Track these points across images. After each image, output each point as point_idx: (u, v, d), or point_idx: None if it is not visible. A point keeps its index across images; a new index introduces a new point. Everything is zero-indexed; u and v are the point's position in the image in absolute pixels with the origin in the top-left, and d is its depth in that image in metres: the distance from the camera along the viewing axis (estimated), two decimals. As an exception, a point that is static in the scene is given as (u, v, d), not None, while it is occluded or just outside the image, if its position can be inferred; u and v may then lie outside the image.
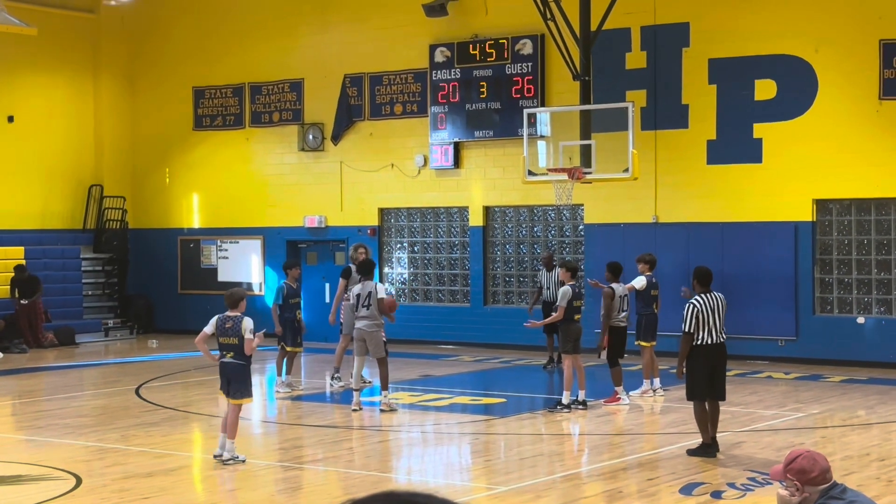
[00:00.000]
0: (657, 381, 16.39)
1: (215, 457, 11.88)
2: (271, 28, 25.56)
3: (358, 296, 15.19)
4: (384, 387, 15.28)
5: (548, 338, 19.27)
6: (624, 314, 15.80)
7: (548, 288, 19.16)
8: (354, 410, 15.13)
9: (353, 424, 14.63)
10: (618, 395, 15.68)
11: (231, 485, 11.24)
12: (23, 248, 25.40)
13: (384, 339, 15.39)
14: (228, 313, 11.88)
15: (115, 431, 13.94)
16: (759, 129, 20.42)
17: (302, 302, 17.32)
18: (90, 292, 26.85)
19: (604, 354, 15.74)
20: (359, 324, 15.18)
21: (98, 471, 11.78)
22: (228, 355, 11.85)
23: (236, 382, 11.84)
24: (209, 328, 11.90)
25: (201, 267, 26.75)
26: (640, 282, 16.31)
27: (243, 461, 11.77)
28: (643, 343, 16.31)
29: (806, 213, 20.20)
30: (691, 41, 20.98)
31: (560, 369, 18.40)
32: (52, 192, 26.50)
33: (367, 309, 15.12)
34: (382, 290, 15.37)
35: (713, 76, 20.82)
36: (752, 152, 20.48)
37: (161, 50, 27.22)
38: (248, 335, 11.70)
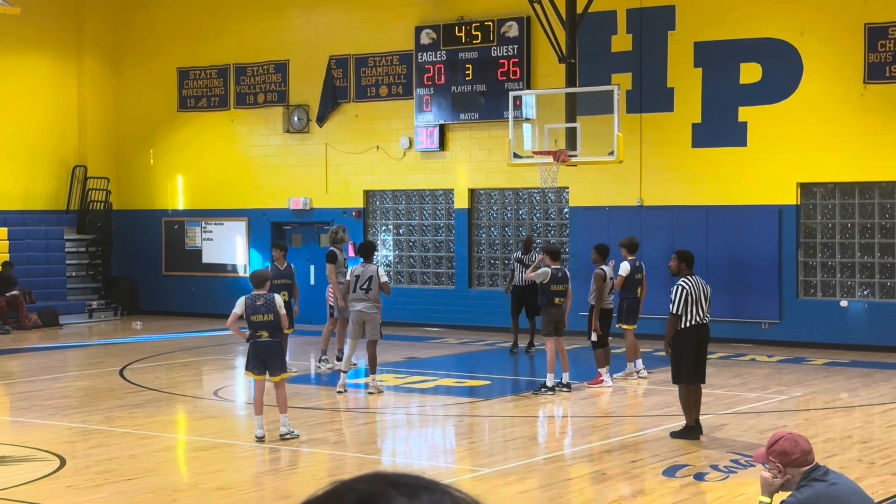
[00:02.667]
0: (640, 363, 16.47)
1: (258, 438, 11.96)
2: (257, 9, 25.45)
3: (357, 277, 15.16)
4: (372, 370, 15.29)
5: (513, 320, 19.12)
6: (610, 297, 15.90)
7: (521, 271, 18.99)
8: (339, 392, 15.12)
9: (338, 406, 14.64)
10: (601, 378, 15.73)
11: (216, 466, 11.24)
12: (6, 228, 25.30)
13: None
14: (256, 292, 12.01)
15: (99, 413, 13.93)
16: (744, 113, 20.46)
17: (292, 283, 17.07)
18: (74, 273, 26.77)
19: (594, 336, 15.76)
20: (358, 306, 15.15)
21: (82, 452, 11.78)
22: (264, 334, 11.94)
23: (275, 360, 12.05)
24: (238, 309, 12.00)
25: (185, 248, 26.69)
26: (624, 268, 16.33)
27: (297, 436, 12.07)
28: (625, 326, 16.35)
29: (790, 197, 20.26)
30: (677, 24, 20.98)
31: (529, 353, 18.46)
32: (35, 173, 26.38)
33: (367, 292, 15.10)
34: (384, 275, 15.40)
35: (699, 59, 20.83)
36: (736, 136, 20.51)
37: (145, 30, 27.08)
38: (282, 311, 11.92)
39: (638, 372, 16.39)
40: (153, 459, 11.42)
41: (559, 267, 15.55)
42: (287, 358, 17.17)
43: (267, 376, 12.10)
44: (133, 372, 17.54)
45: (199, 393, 15.76)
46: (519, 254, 19.56)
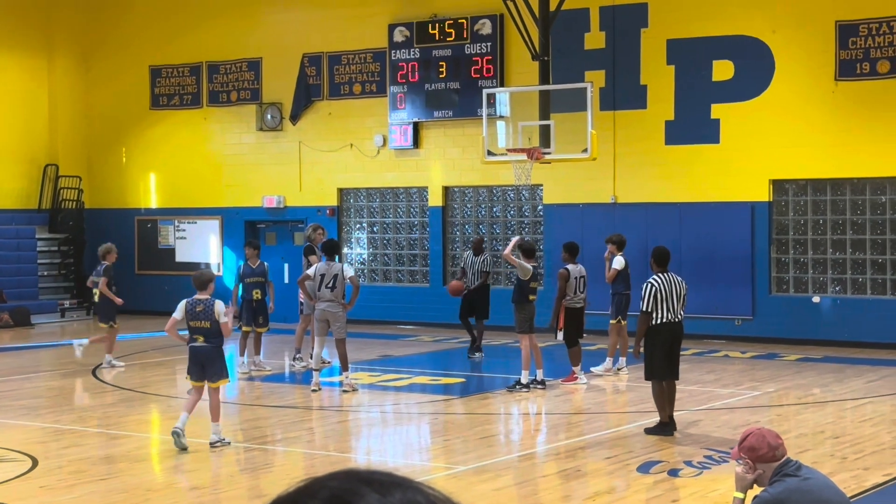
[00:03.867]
0: (623, 360, 16.44)
1: (175, 432, 11.58)
2: (229, 6, 25.36)
3: (322, 276, 15.16)
4: (344, 367, 15.28)
5: (464, 323, 18.77)
6: (581, 295, 15.81)
7: (472, 272, 18.76)
8: (314, 391, 15.11)
9: (312, 405, 14.61)
10: (575, 375, 15.76)
11: (190, 465, 11.20)
12: (-23, 228, 25.13)
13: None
14: (198, 296, 11.58)
15: (71, 413, 13.85)
16: (717, 110, 20.54)
17: (265, 281, 17.05)
18: (46, 273, 26.61)
19: (560, 335, 15.77)
20: (322, 305, 15.14)
21: (54, 452, 11.71)
22: (200, 339, 11.56)
23: (212, 366, 11.61)
24: (178, 313, 11.55)
25: (158, 247, 26.57)
26: (619, 262, 16.35)
27: (229, 443, 11.69)
28: (622, 321, 16.37)
29: (762, 194, 20.36)
30: (650, 22, 21.04)
31: (472, 359, 18.35)
32: (5, 172, 26.19)
33: (331, 290, 15.10)
34: (350, 271, 15.40)
35: (671, 57, 20.90)
36: (709, 133, 20.59)
37: (117, 28, 26.94)
38: (223, 319, 11.45)
39: (619, 369, 16.38)
40: (126, 459, 11.36)
41: (535, 264, 15.56)
42: (261, 357, 17.25)
43: (206, 382, 11.68)
44: (106, 371, 17.45)
45: (173, 392, 15.69)
46: (469, 255, 19.20)
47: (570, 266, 15.74)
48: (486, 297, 18.65)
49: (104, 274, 17.56)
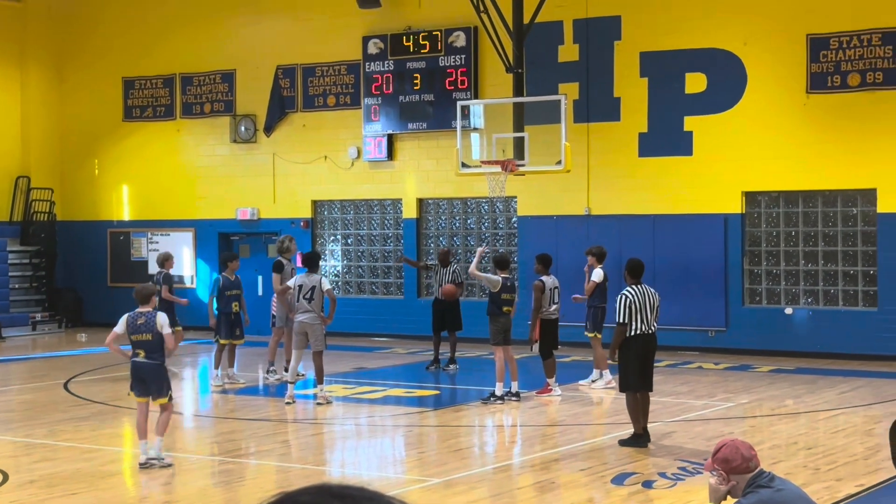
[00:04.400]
0: (607, 373, 16.37)
1: (141, 465, 11.25)
2: (203, 18, 25.31)
3: (300, 287, 15.13)
4: (320, 380, 15.24)
5: (435, 336, 18.74)
6: (555, 306, 15.80)
7: (439, 283, 18.79)
8: (288, 403, 15.06)
9: (286, 417, 14.56)
10: (550, 387, 15.76)
11: (163, 479, 11.13)
12: (-52, 240, 24.94)
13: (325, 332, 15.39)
14: (140, 309, 11.25)
15: (43, 427, 13.75)
16: (690, 122, 20.64)
17: (241, 293, 17.08)
18: (17, 286, 26.42)
19: (535, 347, 15.78)
20: (301, 317, 15.11)
21: (25, 466, 11.61)
22: (141, 354, 11.20)
23: (154, 382, 11.27)
24: (119, 327, 11.22)
25: (131, 259, 26.44)
26: (598, 274, 16.32)
27: (170, 465, 11.29)
28: (598, 335, 16.33)
29: (735, 206, 20.46)
30: (623, 34, 21.13)
31: (446, 371, 18.34)
32: (-23, 184, 26.02)
33: (310, 302, 15.07)
34: (327, 284, 15.38)
35: (644, 69, 21.00)
36: (682, 145, 20.69)
37: (89, 39, 26.83)
38: (166, 330, 11.15)
39: (608, 382, 16.25)
40: (98, 474, 11.28)
41: (507, 276, 15.57)
42: (235, 369, 17.17)
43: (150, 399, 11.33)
44: (78, 385, 17.33)
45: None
46: (436, 266, 19.10)
47: (544, 277, 15.75)
48: (457, 310, 18.66)
49: (164, 281, 17.43)
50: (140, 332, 11.18)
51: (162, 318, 11.21)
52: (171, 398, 11.52)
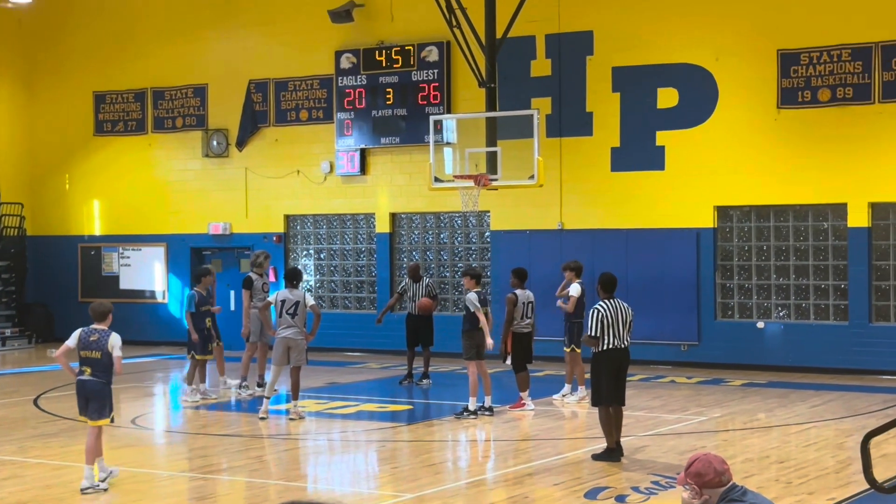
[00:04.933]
0: (582, 389, 16.35)
1: (83, 490, 10.86)
2: (174, 32, 25.23)
3: (283, 302, 15.07)
4: (295, 396, 15.20)
5: (409, 351, 18.68)
6: (528, 321, 15.79)
7: (412, 299, 18.71)
8: (262, 419, 14.99)
9: (259, 433, 14.48)
10: (523, 401, 15.75)
11: (134, 496, 11.03)
12: (-84, 255, 24.70)
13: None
14: (94, 326, 10.94)
15: (12, 443, 13.61)
16: (662, 137, 20.72)
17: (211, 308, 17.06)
18: (-13, 301, 26.20)
19: (508, 359, 15.77)
20: (285, 332, 15.06)
21: (-5, 484, 11.48)
22: (87, 371, 10.87)
23: (96, 401, 10.90)
24: (72, 341, 10.90)
25: (102, 275, 26.28)
26: (576, 289, 16.31)
27: (105, 490, 10.91)
28: (577, 349, 16.30)
29: (707, 220, 20.54)
30: (595, 49, 21.22)
31: (419, 386, 18.32)
32: (-54, 199, 25.81)
33: (293, 317, 15.03)
34: (312, 299, 15.37)
35: (617, 84, 21.08)
36: (654, 160, 20.77)
37: (60, 53, 26.69)
38: (117, 352, 10.83)
39: (582, 397, 16.22)
40: (68, 490, 11.17)
41: (480, 290, 15.57)
42: (206, 385, 17.08)
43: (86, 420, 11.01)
44: (48, 401, 17.18)
45: (116, 421, 15.46)
46: (408, 282, 19.03)
47: (518, 291, 15.75)
48: (430, 325, 18.64)
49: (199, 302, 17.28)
50: (91, 348, 10.85)
51: (115, 339, 10.86)
52: (112, 420, 11.19)
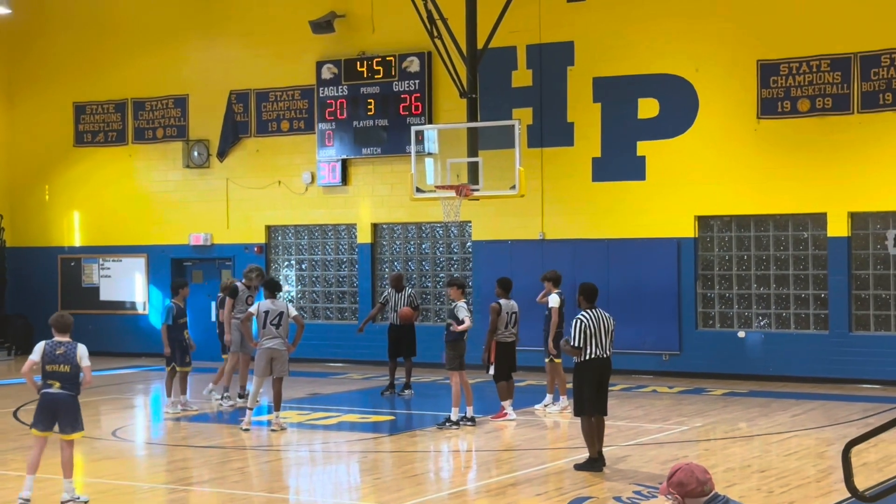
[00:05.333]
0: (564, 399, 16.36)
1: (23, 500, 10.61)
2: (155, 43, 25.19)
3: (266, 313, 15.04)
4: (277, 407, 15.17)
5: (391, 362, 18.64)
6: (512, 330, 15.83)
7: (394, 309, 18.73)
8: (245, 430, 14.95)
9: (241, 444, 14.43)
10: (504, 411, 15.75)
11: (114, 509, 10.97)
12: None
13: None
14: (58, 339, 10.69)
15: (-8, 456, 13.52)
16: (643, 147, 20.79)
17: (188, 321, 17.08)
18: (-34, 313, 26.06)
19: (492, 369, 15.77)
20: (269, 343, 15.02)
21: (-26, 497, 11.40)
22: (56, 385, 10.58)
23: (68, 415, 10.65)
24: (35, 355, 10.62)
25: (83, 286, 26.18)
26: (555, 300, 16.32)
27: (86, 501, 10.80)
28: (558, 360, 16.32)
29: (688, 230, 20.61)
30: (576, 60, 21.28)
31: (401, 397, 18.32)
32: (-75, 210, 25.67)
33: (277, 328, 15.00)
34: (294, 310, 15.36)
35: (598, 94, 21.14)
36: (635, 170, 20.83)
37: (40, 64, 26.61)
38: (86, 362, 10.59)
39: (564, 407, 16.23)
40: (48, 503, 11.10)
41: (465, 301, 15.56)
42: (188, 396, 17.02)
43: (56, 431, 10.71)
44: (28, 413, 17.06)
45: (97, 433, 15.41)
46: (390, 292, 19.04)
47: (502, 301, 15.80)
48: (412, 335, 18.63)
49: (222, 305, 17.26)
50: (58, 362, 10.60)
51: (83, 350, 10.67)
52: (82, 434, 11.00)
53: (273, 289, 15.43)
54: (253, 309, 15.42)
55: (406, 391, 18.47)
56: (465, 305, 15.33)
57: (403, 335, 18.51)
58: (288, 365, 15.33)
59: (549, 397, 16.60)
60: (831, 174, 19.50)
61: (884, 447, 13.04)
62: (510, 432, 15.09)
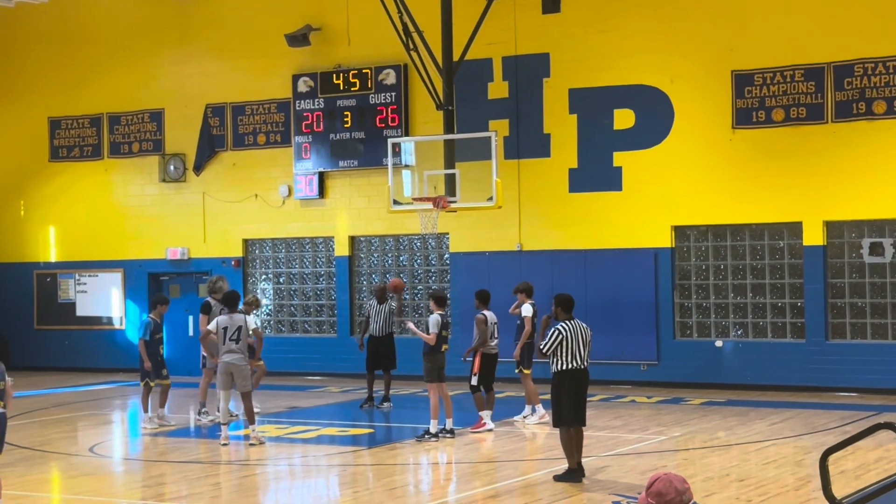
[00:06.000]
0: (540, 407, 16.37)
1: None
2: (130, 57, 25.11)
3: (225, 329, 14.97)
4: (251, 420, 15.09)
5: (369, 374, 18.59)
6: (495, 341, 15.91)
7: (377, 322, 18.63)
8: (224, 445, 14.89)
9: (219, 459, 14.37)
10: (483, 421, 15.76)
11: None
12: None
13: (254, 371, 15.23)
14: None
15: (-33, 474, 13.40)
16: (619, 158, 20.85)
17: (164, 336, 17.04)
18: (-59, 329, 25.86)
19: (474, 379, 15.78)
20: (227, 357, 14.95)
21: (-51, 515, 11.30)
22: (1, 404, 10.41)
23: (2, 434, 10.41)
24: None
25: (59, 302, 26.03)
26: (528, 310, 16.37)
27: None
28: (526, 371, 16.36)
29: (665, 240, 20.67)
30: (552, 72, 21.34)
31: (380, 409, 18.33)
32: None
33: (236, 343, 14.93)
34: (253, 322, 15.26)
35: (573, 106, 21.20)
36: (612, 181, 20.89)
37: (15, 79, 26.49)
38: (10, 380, 10.41)
39: (541, 417, 16.25)
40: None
41: (443, 313, 15.58)
42: (166, 411, 16.93)
43: None
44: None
45: (74, 450, 15.32)
46: (374, 303, 19.04)
47: (485, 312, 15.88)
48: (391, 347, 18.61)
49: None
50: None
51: (1, 367, 10.36)
52: None
53: (230, 303, 15.31)
54: (212, 326, 15.28)
55: (385, 403, 18.44)
56: (438, 320, 15.30)
57: (383, 347, 18.48)
58: (250, 379, 15.21)
59: (528, 408, 16.61)
60: (806, 183, 19.61)
61: (861, 455, 13.09)
62: (489, 444, 15.08)
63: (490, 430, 15.65)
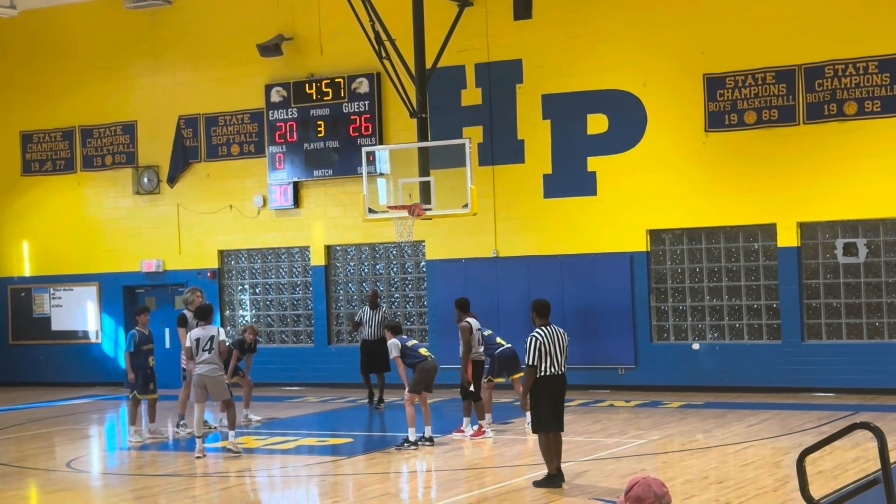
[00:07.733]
0: (489, 417, 16.32)
1: None
2: (102, 70, 25.01)
3: (198, 340, 14.93)
4: (231, 427, 15.08)
5: (365, 379, 18.77)
6: (482, 348, 15.96)
7: (370, 326, 18.90)
8: (198, 458, 14.82)
9: (196, 472, 14.30)
10: (483, 429, 15.78)
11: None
12: None
13: (230, 382, 15.22)
14: None
15: (-57, 492, 13.30)
16: (593, 163, 20.91)
17: (154, 348, 16.94)
18: (-85, 346, 25.66)
19: (471, 387, 15.78)
20: (200, 369, 14.90)
21: (-74, 534, 11.22)
22: None
23: None
24: None
25: (34, 316, 25.88)
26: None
27: None
28: (493, 380, 16.37)
29: (640, 244, 20.73)
30: (524, 78, 21.39)
31: (378, 409, 18.42)
32: None
33: (209, 353, 14.89)
34: (223, 334, 15.23)
35: (547, 111, 21.25)
36: (586, 185, 20.94)
37: (-14, 93, 26.33)
38: None
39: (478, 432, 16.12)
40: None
41: (403, 336, 15.57)
42: (155, 424, 16.84)
43: None
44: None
45: (52, 465, 15.22)
46: (367, 310, 19.21)
47: (469, 319, 15.87)
48: (384, 351, 18.58)
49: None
50: None
51: None
52: None
53: (202, 316, 15.31)
54: (188, 343, 15.27)
55: (380, 405, 18.59)
56: (397, 342, 15.27)
57: (377, 351, 18.56)
58: (226, 388, 15.20)
59: (488, 417, 16.38)
60: (779, 185, 19.71)
61: (838, 455, 13.16)
62: (469, 451, 15.07)
63: (489, 437, 15.67)
